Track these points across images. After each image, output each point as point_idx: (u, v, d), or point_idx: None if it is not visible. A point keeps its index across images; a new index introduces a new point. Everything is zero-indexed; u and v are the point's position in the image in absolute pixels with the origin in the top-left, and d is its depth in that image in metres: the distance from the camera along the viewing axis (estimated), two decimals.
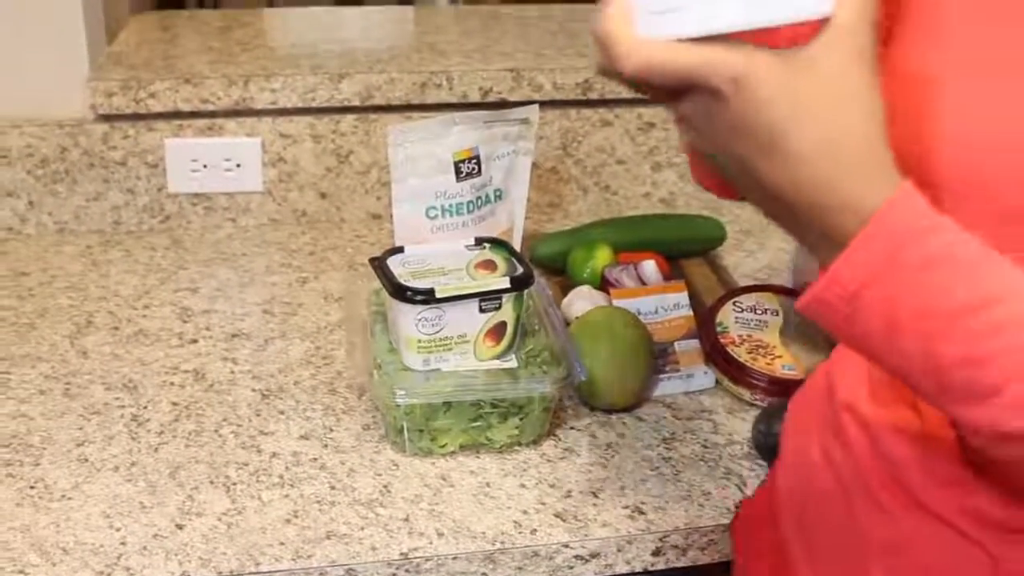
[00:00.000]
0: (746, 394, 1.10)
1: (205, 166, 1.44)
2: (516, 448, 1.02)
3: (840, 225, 0.58)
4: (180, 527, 0.91)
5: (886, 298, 0.57)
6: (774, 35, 0.59)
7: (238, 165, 1.45)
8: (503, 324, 1.01)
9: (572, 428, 1.06)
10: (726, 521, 0.95)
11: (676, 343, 1.15)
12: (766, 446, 1.01)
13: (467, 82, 1.46)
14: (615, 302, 1.17)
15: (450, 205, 1.14)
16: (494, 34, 1.68)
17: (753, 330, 1.15)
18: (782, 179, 0.58)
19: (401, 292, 0.98)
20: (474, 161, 1.13)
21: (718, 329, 1.15)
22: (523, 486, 0.98)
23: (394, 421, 1.00)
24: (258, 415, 1.07)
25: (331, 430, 1.05)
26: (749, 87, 0.57)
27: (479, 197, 1.15)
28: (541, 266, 1.32)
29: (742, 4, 0.58)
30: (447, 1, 3.15)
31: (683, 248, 1.38)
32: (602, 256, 1.28)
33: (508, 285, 1.00)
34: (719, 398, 1.12)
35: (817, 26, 0.59)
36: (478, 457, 1.01)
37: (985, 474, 0.68)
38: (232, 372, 1.14)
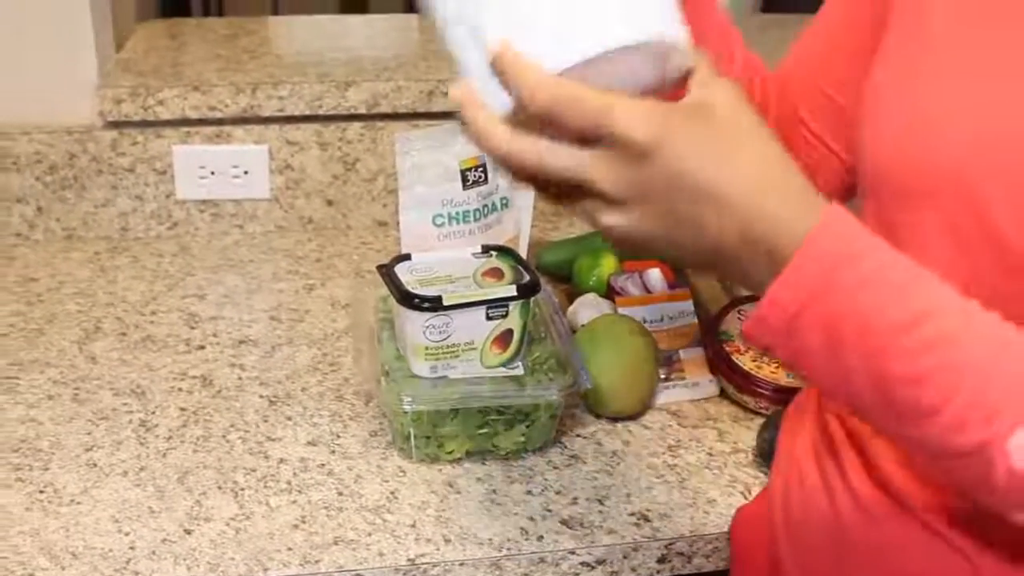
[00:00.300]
0: (751, 402, 1.11)
1: (213, 173, 1.45)
2: (522, 455, 1.03)
3: (785, 247, 0.58)
4: (188, 532, 0.92)
5: (826, 318, 0.58)
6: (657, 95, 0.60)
7: (245, 172, 1.46)
8: (510, 331, 1.02)
9: (578, 435, 1.07)
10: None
11: (681, 351, 1.16)
12: (771, 454, 1.01)
13: None
14: (620, 310, 1.18)
15: (457, 213, 1.15)
16: None
17: None
18: (727, 225, 0.58)
19: (409, 299, 0.99)
20: (481, 169, 1.14)
21: (723, 337, 1.15)
22: (529, 493, 0.98)
23: (401, 428, 1.01)
24: (266, 421, 1.07)
25: (338, 436, 1.05)
26: (669, 142, 0.57)
27: (486, 205, 1.16)
28: (547, 274, 1.32)
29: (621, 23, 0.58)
30: None
31: None
32: (608, 264, 1.28)
33: (515, 293, 1.00)
34: (724, 406, 1.13)
35: (685, 83, 0.60)
36: (484, 464, 1.02)
37: None
38: (240, 378, 1.15)
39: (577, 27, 0.58)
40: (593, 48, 0.57)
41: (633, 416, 1.10)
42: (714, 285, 1.35)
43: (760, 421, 1.07)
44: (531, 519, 0.95)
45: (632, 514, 0.96)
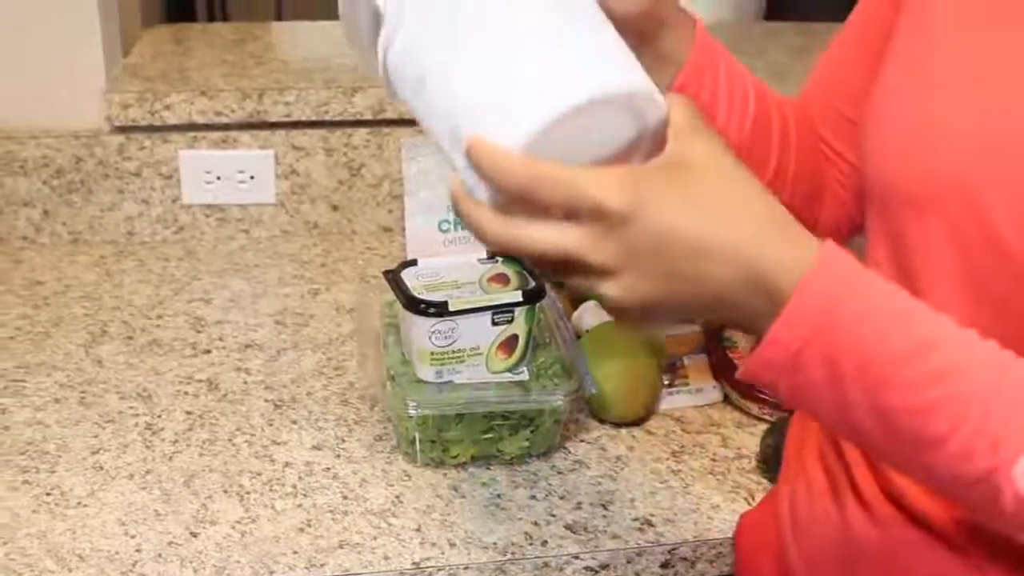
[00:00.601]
0: (754, 408, 1.11)
1: (219, 178, 1.45)
2: (527, 460, 1.03)
3: (784, 287, 0.58)
4: (194, 535, 0.92)
5: (828, 353, 0.58)
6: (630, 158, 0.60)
7: (251, 177, 1.46)
8: (515, 337, 1.02)
9: (582, 440, 1.07)
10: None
11: (685, 357, 1.16)
12: (774, 460, 1.01)
13: None
14: None
15: None
16: None
17: None
18: (726, 274, 0.58)
19: (415, 305, 0.99)
20: None
21: (726, 343, 1.16)
22: (533, 498, 0.99)
23: (406, 432, 1.01)
24: (271, 425, 1.08)
25: (343, 440, 1.06)
26: (647, 203, 0.57)
27: None
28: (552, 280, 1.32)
29: (592, 74, 0.58)
30: None
31: None
32: None
33: (520, 298, 1.01)
34: (728, 412, 1.13)
35: (661, 140, 0.60)
36: (489, 468, 1.02)
37: None
38: (245, 382, 1.15)
39: (526, 98, 0.58)
40: (549, 113, 0.57)
41: (637, 422, 1.10)
42: None
43: (763, 427, 1.07)
44: (535, 524, 0.95)
45: (636, 519, 0.97)
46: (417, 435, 1.00)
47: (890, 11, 0.80)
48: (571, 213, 0.57)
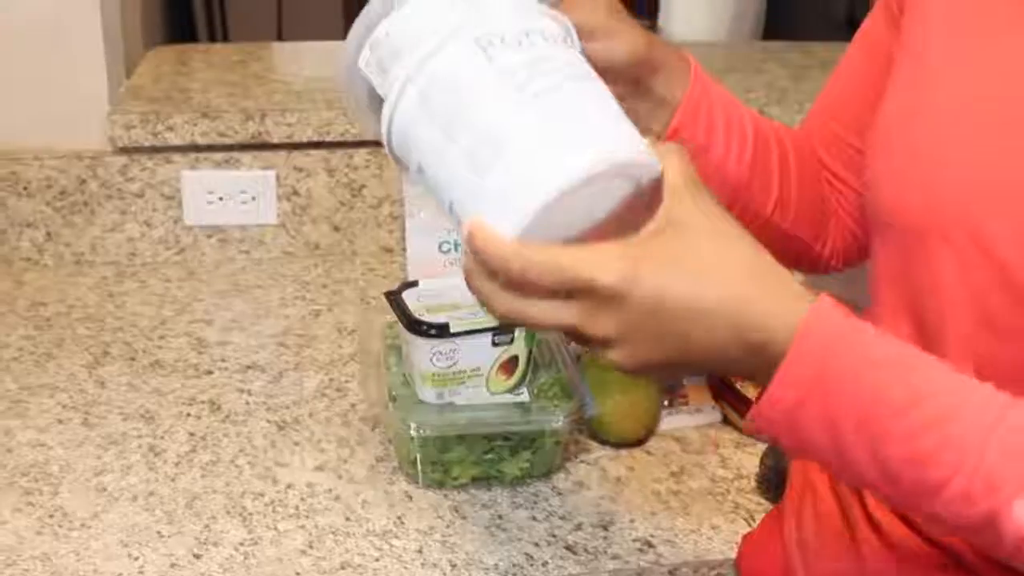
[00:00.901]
0: None
1: (221, 198, 1.46)
2: (527, 481, 1.04)
3: (779, 343, 0.59)
4: (197, 556, 0.93)
5: (824, 409, 0.59)
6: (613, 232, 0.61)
7: (253, 198, 1.47)
8: (515, 358, 1.03)
9: (582, 461, 1.08)
10: (735, 555, 0.96)
11: (685, 378, 1.16)
12: (774, 481, 1.02)
13: None
14: None
15: None
16: None
17: None
18: (722, 334, 0.59)
19: (416, 326, 1.00)
20: None
21: None
22: (534, 519, 0.99)
23: (407, 453, 1.02)
24: (273, 446, 1.08)
25: (345, 462, 1.06)
26: (640, 275, 0.58)
27: None
28: None
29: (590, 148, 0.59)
30: None
31: None
32: None
33: None
34: (727, 432, 1.14)
35: (657, 189, 0.61)
36: (490, 490, 1.03)
37: None
38: (247, 404, 1.16)
39: (516, 188, 0.59)
40: (540, 200, 0.58)
41: (637, 442, 1.11)
42: None
43: (762, 448, 1.08)
44: (536, 545, 0.96)
45: (636, 540, 0.97)
46: (418, 456, 1.01)
47: (891, 38, 0.80)
48: (568, 292, 0.59)
